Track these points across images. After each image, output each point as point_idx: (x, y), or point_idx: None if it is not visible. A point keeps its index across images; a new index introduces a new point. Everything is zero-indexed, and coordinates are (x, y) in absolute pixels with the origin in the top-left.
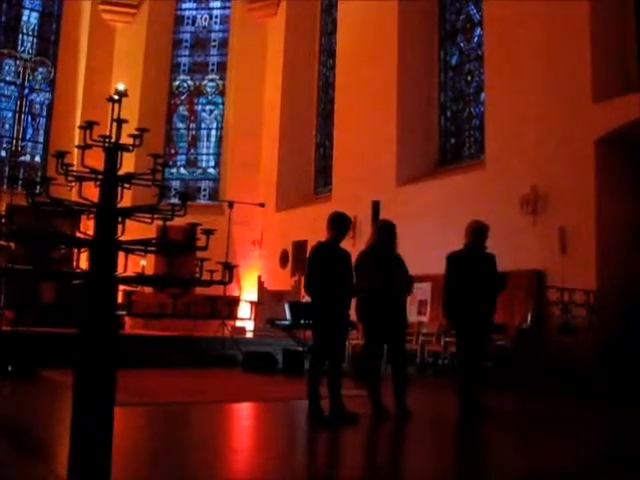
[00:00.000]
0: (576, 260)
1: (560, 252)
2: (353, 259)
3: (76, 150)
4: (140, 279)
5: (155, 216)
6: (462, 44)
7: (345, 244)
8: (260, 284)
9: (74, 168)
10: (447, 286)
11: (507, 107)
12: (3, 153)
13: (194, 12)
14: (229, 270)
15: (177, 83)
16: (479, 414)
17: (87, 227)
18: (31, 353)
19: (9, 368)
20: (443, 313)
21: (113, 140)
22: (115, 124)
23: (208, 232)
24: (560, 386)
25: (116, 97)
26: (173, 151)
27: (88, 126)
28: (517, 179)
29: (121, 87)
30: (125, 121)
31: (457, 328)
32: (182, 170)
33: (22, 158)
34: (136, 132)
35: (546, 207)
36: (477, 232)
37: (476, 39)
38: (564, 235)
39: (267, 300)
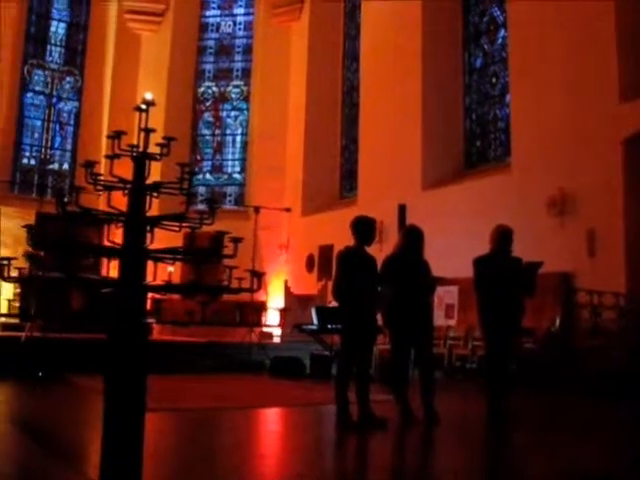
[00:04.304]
0: (605, 262)
1: (588, 254)
2: (379, 263)
3: (104, 158)
4: (169, 287)
5: (183, 224)
6: (486, 46)
7: (371, 248)
8: (287, 289)
9: (102, 176)
10: (479, 290)
11: (533, 108)
12: (33, 161)
13: (218, 19)
14: (257, 277)
15: (202, 90)
16: (507, 418)
17: (115, 235)
18: (61, 359)
19: (39, 374)
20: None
21: (141, 149)
22: (143, 133)
23: (236, 240)
24: (589, 390)
25: (143, 106)
26: (199, 157)
27: (116, 136)
28: (544, 181)
29: (148, 96)
30: (153, 130)
31: (485, 331)
32: (208, 176)
33: (51, 166)
34: (163, 141)
35: (573, 209)
36: (502, 236)
37: (500, 41)
38: (592, 237)
39: (293, 305)
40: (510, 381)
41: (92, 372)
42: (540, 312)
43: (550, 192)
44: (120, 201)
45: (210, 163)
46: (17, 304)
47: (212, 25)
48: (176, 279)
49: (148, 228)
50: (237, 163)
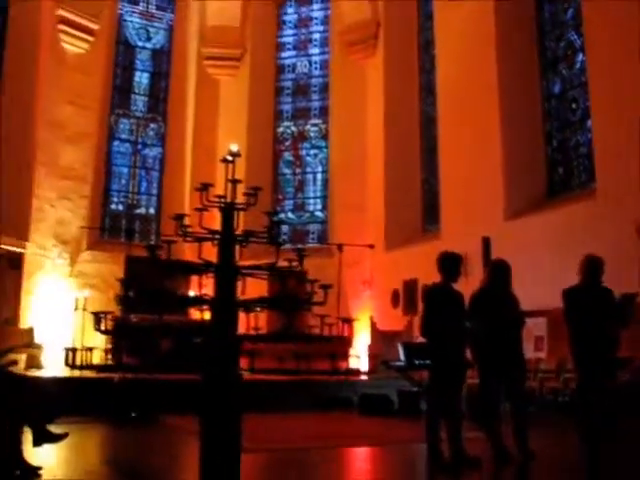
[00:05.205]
0: None
1: None
2: (466, 298)
3: (188, 198)
4: (260, 337)
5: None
6: (564, 71)
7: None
8: (372, 325)
9: (190, 227)
10: (570, 323)
11: (615, 132)
12: (120, 207)
13: (294, 60)
14: (347, 323)
15: (281, 130)
16: (601, 456)
17: (205, 283)
18: (153, 400)
19: (132, 414)
20: (571, 353)
21: (228, 200)
22: (230, 184)
23: (325, 287)
24: None
25: (230, 158)
26: (280, 196)
27: (204, 188)
28: (632, 206)
29: (234, 148)
30: (239, 181)
31: (576, 364)
32: (290, 214)
33: (138, 211)
34: (249, 190)
35: None
36: (592, 267)
37: (578, 65)
38: None
39: (379, 341)
40: (604, 415)
41: (184, 412)
42: (636, 342)
43: (639, 216)
44: (209, 250)
45: (292, 202)
46: (109, 345)
47: (289, 66)
48: (263, 323)
49: (239, 277)
50: (318, 201)
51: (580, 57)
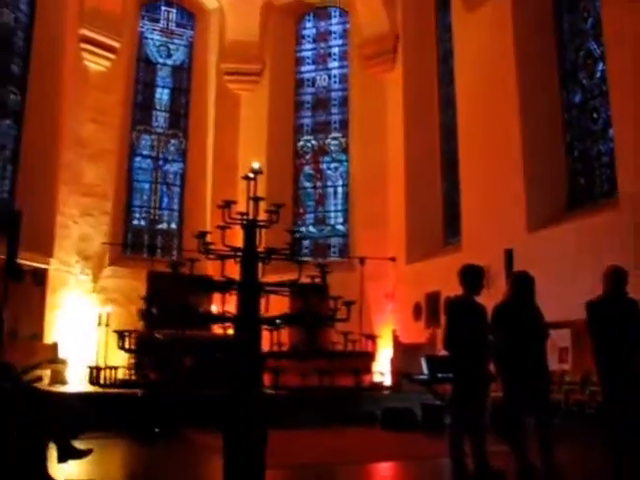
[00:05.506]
0: None
1: None
2: (489, 311)
3: (209, 213)
4: (285, 354)
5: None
6: (584, 81)
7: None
8: (395, 338)
9: (213, 244)
10: (593, 335)
11: (638, 140)
12: (142, 222)
13: (313, 74)
14: (371, 340)
15: (301, 144)
16: (625, 469)
17: (227, 300)
18: (176, 415)
19: (156, 430)
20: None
21: (250, 217)
22: (252, 202)
23: (348, 303)
24: None
25: (251, 175)
26: (301, 210)
27: (226, 205)
28: None
29: (256, 165)
30: (261, 199)
31: (601, 378)
32: (311, 228)
33: (159, 226)
34: (272, 208)
35: None
36: (615, 277)
37: (599, 74)
38: None
39: (402, 354)
40: (628, 428)
41: (208, 428)
42: None
43: None
44: (232, 267)
45: (313, 215)
46: (132, 360)
47: (308, 80)
48: (286, 339)
49: (262, 294)
50: (339, 214)
51: (600, 66)
